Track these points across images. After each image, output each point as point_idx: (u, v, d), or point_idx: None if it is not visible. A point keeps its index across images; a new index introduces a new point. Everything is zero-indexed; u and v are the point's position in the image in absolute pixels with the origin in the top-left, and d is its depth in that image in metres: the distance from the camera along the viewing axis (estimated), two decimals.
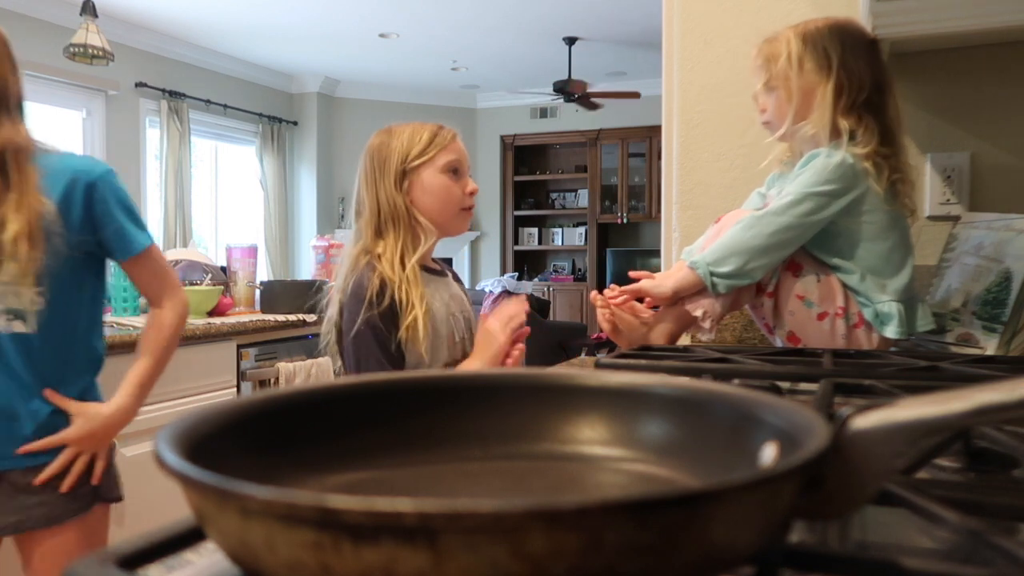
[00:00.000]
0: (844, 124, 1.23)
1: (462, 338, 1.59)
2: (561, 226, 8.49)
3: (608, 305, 1.32)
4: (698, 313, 1.27)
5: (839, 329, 1.24)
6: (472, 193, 1.61)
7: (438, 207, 1.56)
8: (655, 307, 1.35)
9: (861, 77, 1.24)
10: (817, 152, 1.24)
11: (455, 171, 1.57)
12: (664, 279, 1.31)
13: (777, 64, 1.27)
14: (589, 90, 6.50)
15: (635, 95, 6.50)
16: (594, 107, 6.69)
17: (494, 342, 1.49)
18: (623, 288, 1.34)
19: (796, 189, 1.23)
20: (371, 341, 1.46)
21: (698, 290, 1.27)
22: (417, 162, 1.54)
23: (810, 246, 1.27)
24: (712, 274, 1.24)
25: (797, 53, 1.25)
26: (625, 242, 8.34)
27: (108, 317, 2.48)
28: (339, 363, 1.57)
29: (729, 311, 1.30)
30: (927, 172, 1.59)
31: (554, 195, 8.62)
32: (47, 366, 1.43)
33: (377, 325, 1.45)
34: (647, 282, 1.32)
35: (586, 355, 3.74)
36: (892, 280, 1.24)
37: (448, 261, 1.67)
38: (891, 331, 1.21)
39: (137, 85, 5.80)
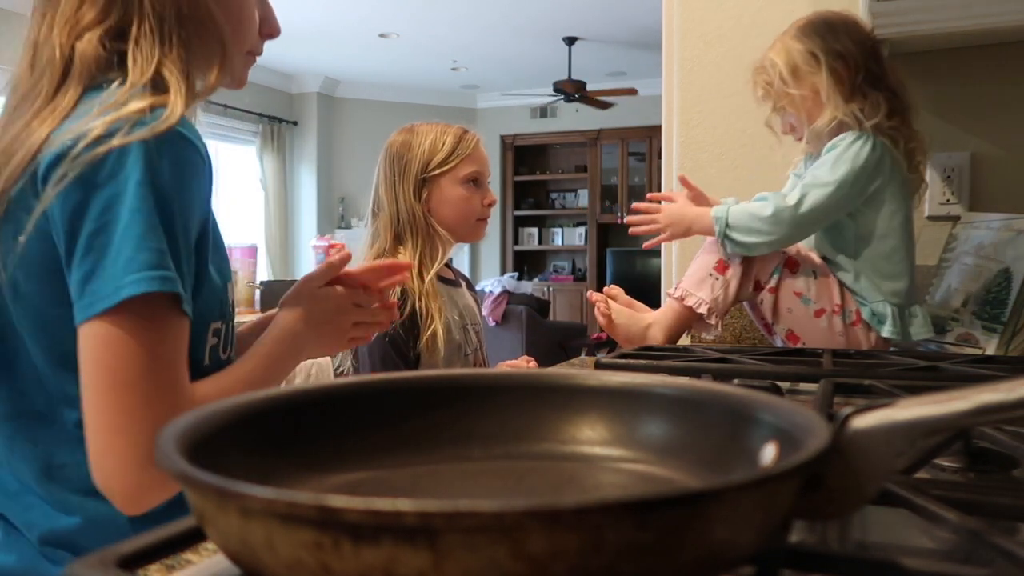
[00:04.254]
0: (854, 107, 1.23)
1: (475, 350, 1.58)
2: (561, 226, 8.48)
3: (604, 299, 1.34)
4: (702, 310, 1.27)
5: (836, 326, 1.24)
6: (490, 204, 1.60)
7: (455, 218, 1.54)
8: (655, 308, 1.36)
9: (852, 55, 1.25)
10: (837, 143, 1.24)
11: (475, 181, 1.55)
12: (685, 209, 1.32)
13: (774, 87, 1.29)
14: (588, 89, 6.48)
15: (632, 92, 6.49)
16: (604, 106, 6.67)
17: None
18: (639, 205, 1.37)
19: (826, 179, 1.22)
20: (390, 350, 1.44)
21: (699, 278, 1.29)
22: (437, 171, 1.51)
23: (813, 239, 1.29)
24: (727, 237, 1.25)
25: (785, 66, 1.27)
26: (625, 242, 8.32)
27: None
28: (348, 363, 1.54)
29: (732, 302, 1.30)
30: (927, 172, 1.59)
31: (554, 195, 8.61)
32: None
33: (397, 334, 1.43)
34: (670, 208, 1.34)
35: (586, 355, 3.74)
36: (888, 283, 1.24)
37: (447, 261, 1.66)
38: (886, 331, 1.22)
39: None
